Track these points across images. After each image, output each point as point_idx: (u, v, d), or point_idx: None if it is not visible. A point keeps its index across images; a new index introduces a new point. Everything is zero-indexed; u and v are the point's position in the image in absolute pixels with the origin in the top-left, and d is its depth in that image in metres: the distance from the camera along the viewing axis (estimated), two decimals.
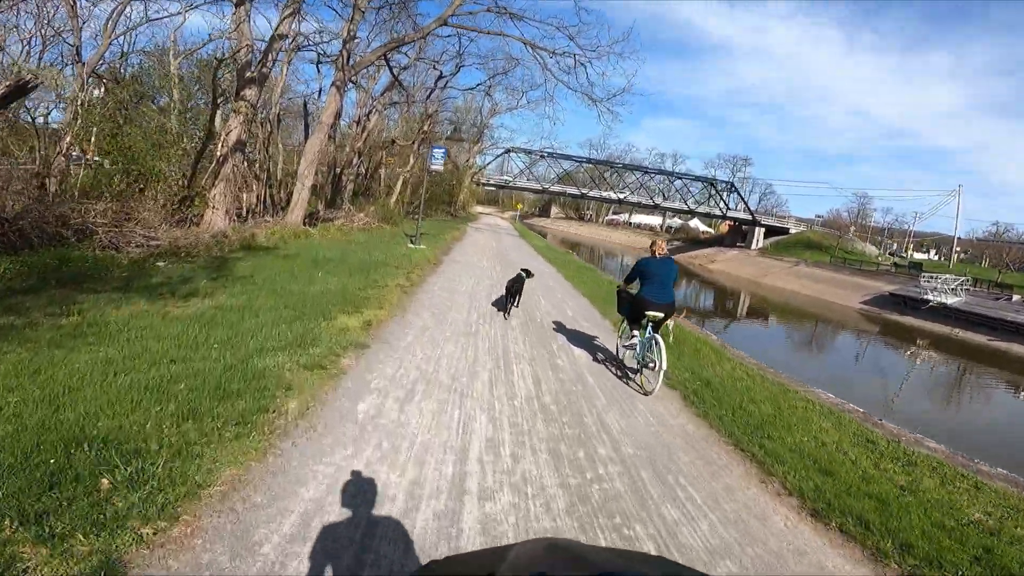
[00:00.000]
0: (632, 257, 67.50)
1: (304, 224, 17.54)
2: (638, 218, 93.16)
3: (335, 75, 19.09)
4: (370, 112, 28.75)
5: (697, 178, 59.82)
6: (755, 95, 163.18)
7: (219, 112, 16.28)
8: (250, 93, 15.58)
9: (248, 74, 15.60)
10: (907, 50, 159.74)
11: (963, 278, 35.64)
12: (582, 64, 19.17)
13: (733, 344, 12.22)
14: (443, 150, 18.27)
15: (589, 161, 57.61)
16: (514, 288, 9.19)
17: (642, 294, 6.33)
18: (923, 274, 37.49)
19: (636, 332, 6.52)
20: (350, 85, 22.05)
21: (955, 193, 50.35)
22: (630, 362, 6.95)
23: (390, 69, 22.96)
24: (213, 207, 14.92)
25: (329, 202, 23.40)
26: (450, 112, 35.42)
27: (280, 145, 29.57)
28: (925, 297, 33.71)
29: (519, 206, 55.37)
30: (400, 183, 30.40)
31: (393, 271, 11.08)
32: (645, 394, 6.11)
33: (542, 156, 54.60)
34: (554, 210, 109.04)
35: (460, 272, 13.70)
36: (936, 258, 61.99)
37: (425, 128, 28.64)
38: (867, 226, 69.23)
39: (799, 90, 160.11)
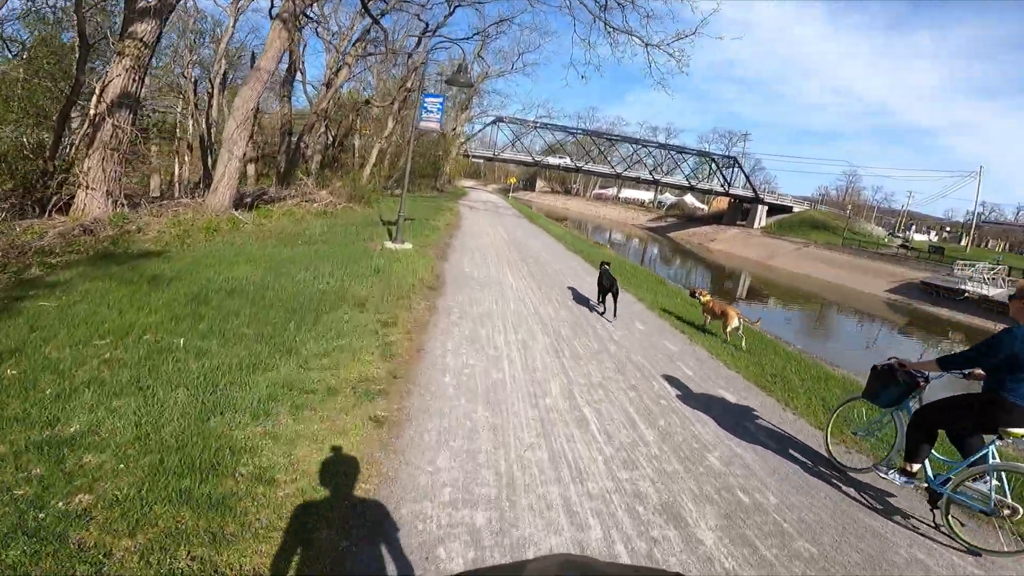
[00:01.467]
0: (622, 233, 62.79)
1: (238, 207, 12.32)
2: (628, 193, 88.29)
3: (282, 5, 13.61)
4: (340, 68, 23.02)
5: (700, 153, 54.94)
6: (740, 69, 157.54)
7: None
8: (144, 29, 10.23)
9: (142, 2, 10.23)
10: (891, 29, 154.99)
11: (1000, 267, 31.94)
12: (619, 3, 14.11)
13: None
14: (441, 99, 12.63)
15: (589, 133, 51.90)
16: (608, 283, 8.07)
17: (1015, 397, 3.17)
18: (956, 262, 33.73)
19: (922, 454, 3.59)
20: (305, 24, 16.51)
21: (974, 174, 46.39)
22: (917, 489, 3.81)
23: (364, 5, 17.30)
24: (87, 187, 9.70)
25: (283, 176, 17.99)
26: (436, 70, 29.67)
27: (226, 110, 23.89)
28: (961, 287, 30.12)
29: (512, 180, 48.77)
30: (375, 153, 24.64)
31: (352, 323, 5.44)
32: None
33: (535, 127, 49.05)
34: (539, 183, 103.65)
35: (482, 308, 7.45)
36: (935, 240, 58.41)
37: (408, 85, 22.73)
38: (863, 206, 65.04)
39: (783, 65, 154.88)
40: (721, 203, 65.05)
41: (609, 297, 8.05)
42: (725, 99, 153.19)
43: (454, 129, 38.54)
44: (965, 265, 32.56)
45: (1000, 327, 3.66)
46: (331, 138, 23.94)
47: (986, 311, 28.56)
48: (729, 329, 7.50)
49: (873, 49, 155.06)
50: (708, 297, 8.13)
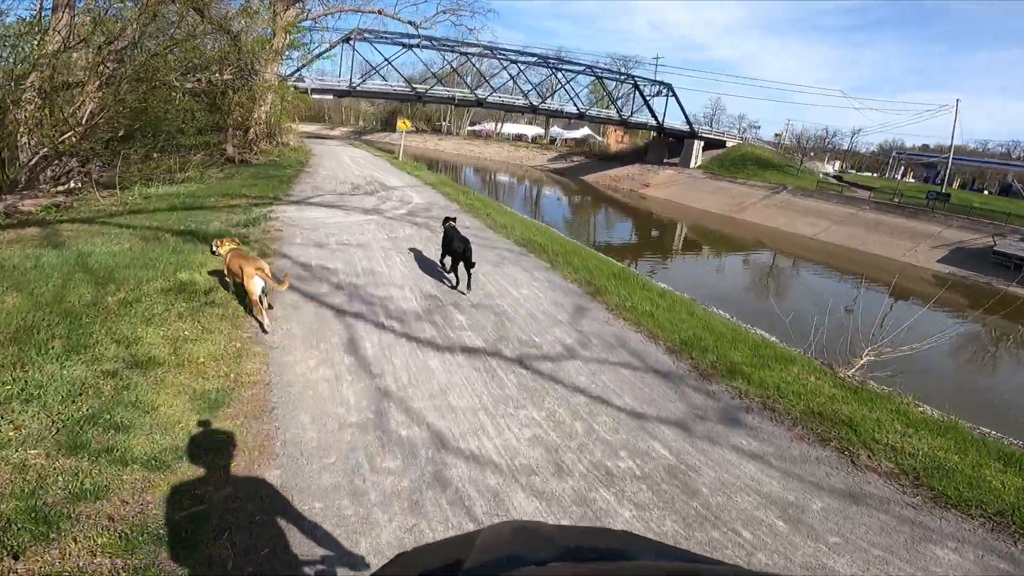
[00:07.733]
0: (510, 176, 46.75)
1: None
2: (510, 128, 71.20)
3: None
4: None
5: (630, 77, 39.59)
6: (572, 7, 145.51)
7: None
8: None
9: None
10: None
11: None
12: None
13: None
14: None
15: (496, 53, 32.91)
16: (460, 247, 5.97)
17: None
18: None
19: None
20: None
21: (948, 107, 37.31)
22: None
23: None
24: None
25: None
26: None
27: None
28: None
29: (405, 125, 27.84)
30: None
31: None
32: None
33: (411, 47, 29.60)
34: (400, 122, 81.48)
35: None
36: (837, 170, 50.34)
37: None
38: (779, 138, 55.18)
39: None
40: (616, 137, 51.04)
41: (462, 267, 6.05)
42: (556, 34, 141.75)
43: (272, 35, 18.53)
44: None
45: None
46: None
47: None
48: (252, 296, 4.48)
49: None
50: (232, 246, 5.03)
